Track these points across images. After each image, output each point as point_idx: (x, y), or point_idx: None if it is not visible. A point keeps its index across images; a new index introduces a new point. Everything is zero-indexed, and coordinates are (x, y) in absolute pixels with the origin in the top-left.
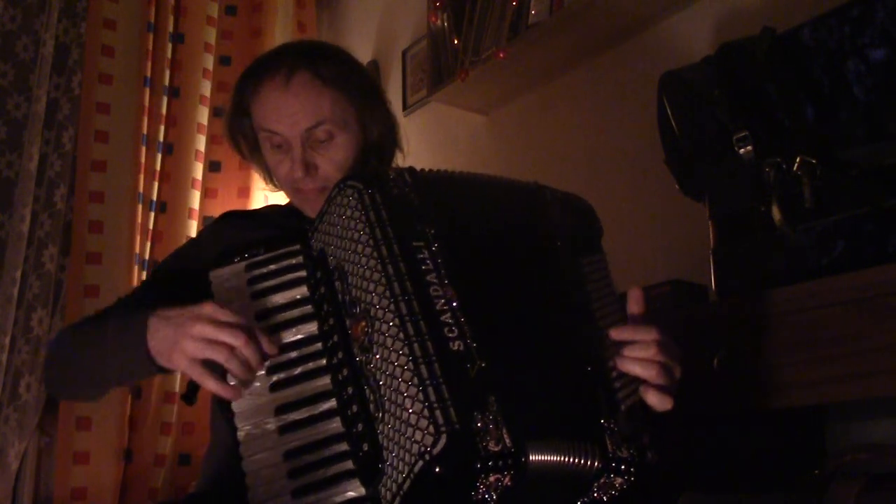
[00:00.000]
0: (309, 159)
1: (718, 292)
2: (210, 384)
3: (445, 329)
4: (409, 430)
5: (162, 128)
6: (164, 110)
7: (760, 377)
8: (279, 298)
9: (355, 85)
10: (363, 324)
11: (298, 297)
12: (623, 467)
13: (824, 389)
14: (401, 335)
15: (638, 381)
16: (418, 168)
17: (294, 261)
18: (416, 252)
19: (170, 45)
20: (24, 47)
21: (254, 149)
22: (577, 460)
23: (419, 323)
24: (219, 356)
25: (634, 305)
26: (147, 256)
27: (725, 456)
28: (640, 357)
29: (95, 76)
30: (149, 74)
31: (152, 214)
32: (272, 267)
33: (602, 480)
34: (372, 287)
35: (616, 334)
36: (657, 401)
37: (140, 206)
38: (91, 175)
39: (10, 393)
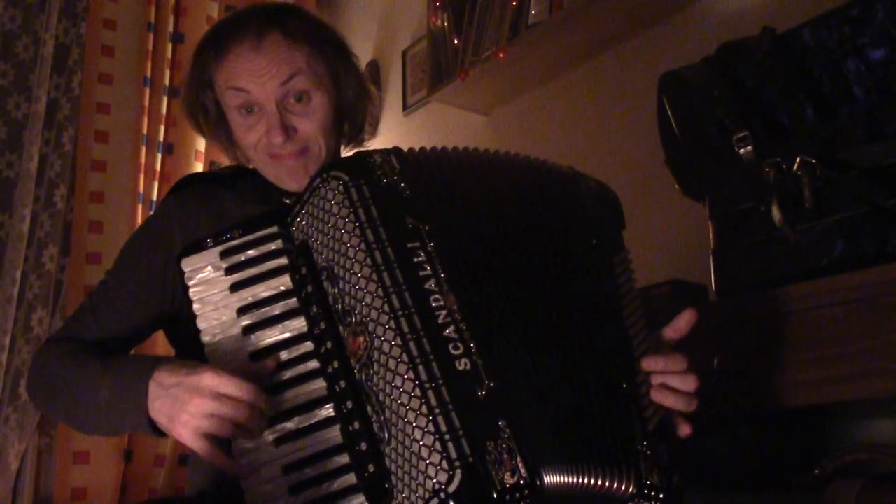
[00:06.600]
0: (287, 122)
1: (718, 292)
2: (217, 460)
3: (450, 346)
4: (421, 463)
5: (162, 128)
6: (164, 110)
7: (760, 377)
8: (262, 290)
9: (326, 40)
10: (362, 338)
11: (283, 288)
12: (654, 493)
13: (824, 389)
14: (404, 357)
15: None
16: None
17: (273, 246)
18: (411, 255)
19: (170, 45)
20: (24, 47)
21: (216, 123)
22: (602, 482)
23: (422, 341)
24: (223, 431)
25: (674, 332)
26: None
27: (725, 456)
28: (675, 388)
29: (95, 76)
30: (149, 74)
31: None
32: (251, 253)
33: None
34: (368, 299)
35: (648, 364)
36: (681, 428)
37: (140, 206)
38: (91, 175)
39: (10, 393)
